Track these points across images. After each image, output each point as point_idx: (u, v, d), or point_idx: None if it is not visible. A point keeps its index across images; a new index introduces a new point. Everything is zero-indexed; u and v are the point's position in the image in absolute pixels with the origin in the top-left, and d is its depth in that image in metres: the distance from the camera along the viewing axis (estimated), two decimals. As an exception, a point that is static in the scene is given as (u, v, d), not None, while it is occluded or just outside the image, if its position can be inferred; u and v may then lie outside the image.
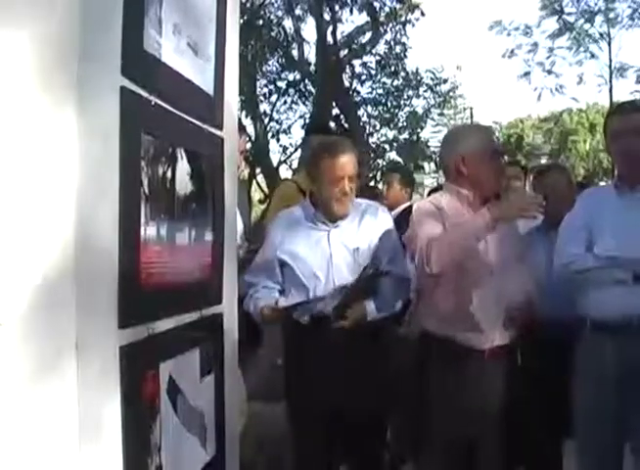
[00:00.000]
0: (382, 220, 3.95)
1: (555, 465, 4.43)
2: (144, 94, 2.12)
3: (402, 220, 4.27)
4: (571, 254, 3.65)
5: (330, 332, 3.67)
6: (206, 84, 2.66)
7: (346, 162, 3.82)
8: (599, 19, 29.38)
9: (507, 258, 3.71)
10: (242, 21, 15.34)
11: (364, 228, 3.90)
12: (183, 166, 2.42)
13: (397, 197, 6.30)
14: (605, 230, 3.60)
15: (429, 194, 5.27)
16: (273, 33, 19.65)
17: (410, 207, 5.12)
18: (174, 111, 2.34)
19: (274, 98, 21.28)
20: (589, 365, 3.67)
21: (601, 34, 29.63)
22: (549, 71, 30.39)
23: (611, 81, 29.69)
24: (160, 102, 2.21)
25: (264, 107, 21.31)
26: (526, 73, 30.68)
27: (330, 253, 3.81)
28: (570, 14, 29.39)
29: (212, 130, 2.71)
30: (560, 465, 4.43)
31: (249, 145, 21.27)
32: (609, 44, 29.59)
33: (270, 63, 20.92)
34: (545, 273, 3.85)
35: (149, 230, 2.16)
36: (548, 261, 3.84)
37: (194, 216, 2.54)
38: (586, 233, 3.65)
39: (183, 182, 2.43)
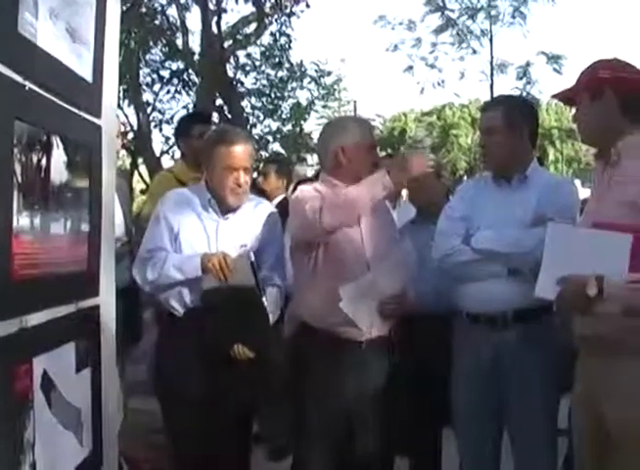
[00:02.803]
0: (271, 221, 3.93)
1: (435, 452, 4.50)
2: (17, 78, 2.04)
3: (281, 211, 4.26)
4: (449, 246, 3.71)
5: (198, 327, 3.64)
6: (84, 71, 2.60)
7: (242, 152, 3.80)
8: (481, 16, 30.11)
9: (383, 251, 3.72)
10: (125, 8, 15.12)
11: (254, 226, 3.89)
12: (58, 155, 2.35)
13: (274, 187, 6.31)
14: (482, 223, 3.69)
15: (295, 186, 5.25)
16: (157, 22, 19.37)
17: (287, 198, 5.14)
18: (50, 97, 2.27)
19: (157, 87, 21.02)
20: (465, 357, 3.75)
21: (483, 31, 30.39)
22: (432, 66, 31.06)
23: (492, 77, 30.49)
24: (34, 87, 2.14)
25: (147, 96, 21.03)
26: (410, 68, 31.30)
27: (217, 246, 3.78)
28: (453, 10, 30.03)
29: (90, 118, 2.65)
30: (439, 451, 4.51)
31: (130, 135, 21.05)
32: (490, 41, 30.38)
33: (153, 51, 20.61)
34: (418, 267, 3.88)
35: (21, 220, 2.09)
36: (421, 255, 3.88)
37: (70, 206, 2.47)
38: (465, 225, 3.73)
39: (58, 171, 2.36)
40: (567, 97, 3.29)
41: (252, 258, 3.68)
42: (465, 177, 35.81)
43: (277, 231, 3.97)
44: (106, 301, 2.84)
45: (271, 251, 3.91)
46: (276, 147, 21.31)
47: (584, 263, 2.86)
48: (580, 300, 2.83)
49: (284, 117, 21.70)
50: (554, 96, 3.40)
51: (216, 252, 3.73)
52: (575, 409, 3.26)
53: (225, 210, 3.84)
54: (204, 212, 3.84)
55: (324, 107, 25.38)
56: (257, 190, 5.93)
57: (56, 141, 2.34)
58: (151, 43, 19.86)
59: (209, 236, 3.81)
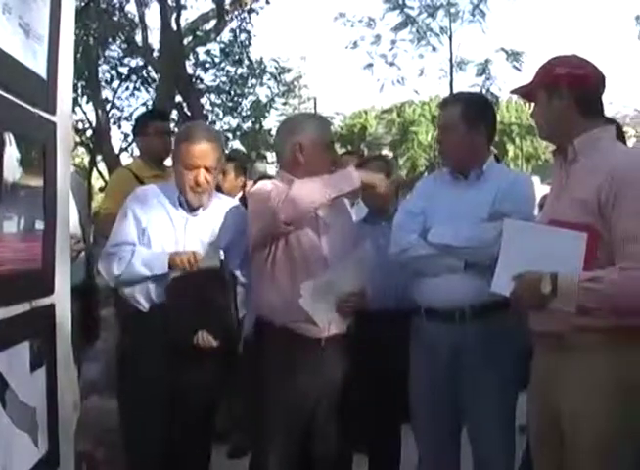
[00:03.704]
0: (239, 219, 3.91)
1: (394, 449, 4.52)
2: (-33, 75, 2.01)
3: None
4: (406, 240, 3.73)
5: (170, 323, 3.63)
6: (39, 67, 2.56)
7: (204, 151, 3.77)
8: (441, 13, 30.25)
9: (341, 249, 3.73)
10: (83, 4, 15.03)
11: (223, 224, 3.88)
12: (11, 152, 2.32)
13: (233, 185, 6.28)
14: (439, 218, 3.71)
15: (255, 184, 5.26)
16: (116, 18, 19.26)
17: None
18: (2, 93, 2.24)
19: (116, 84, 20.93)
20: (423, 352, 3.77)
21: (442, 28, 30.51)
22: (391, 63, 31.09)
23: (451, 74, 30.60)
24: (-15, 84, 2.11)
25: (106, 93, 20.94)
26: (369, 65, 31.32)
27: (185, 242, 3.77)
28: (412, 8, 30.13)
29: (44, 115, 2.61)
30: (398, 449, 4.53)
31: (89, 132, 20.93)
32: (450, 38, 30.51)
33: (112, 48, 20.54)
34: (373, 264, 3.88)
35: (-28, 218, 2.05)
36: (375, 253, 3.89)
37: (23, 205, 2.43)
38: (422, 220, 3.75)
39: (11, 169, 2.32)
40: (525, 93, 3.32)
41: (222, 257, 3.68)
42: (425, 174, 35.95)
43: (244, 229, 3.96)
44: (61, 299, 2.80)
45: (239, 249, 3.89)
46: (236, 144, 21.37)
47: (539, 261, 2.88)
48: (535, 297, 2.86)
49: (244, 114, 21.73)
50: (512, 92, 3.43)
51: (185, 249, 3.72)
52: (530, 406, 3.28)
53: (191, 207, 3.82)
54: (172, 209, 3.83)
55: (284, 104, 25.40)
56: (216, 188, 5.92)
57: (8, 138, 2.30)
58: (109, 39, 19.75)
59: (178, 232, 3.80)
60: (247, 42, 20.72)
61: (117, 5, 19.40)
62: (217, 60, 20.85)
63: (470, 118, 3.72)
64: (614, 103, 29.90)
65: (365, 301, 3.76)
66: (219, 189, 5.74)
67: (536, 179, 11.92)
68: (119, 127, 20.84)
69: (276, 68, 23.17)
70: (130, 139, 20.45)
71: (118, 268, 3.73)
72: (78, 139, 20.03)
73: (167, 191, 3.88)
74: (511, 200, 3.62)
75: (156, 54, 19.15)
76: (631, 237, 2.78)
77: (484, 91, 28.55)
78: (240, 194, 6.05)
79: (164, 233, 3.79)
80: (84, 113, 20.69)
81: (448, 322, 3.65)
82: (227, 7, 19.16)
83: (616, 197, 2.81)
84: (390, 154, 37.95)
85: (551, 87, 3.06)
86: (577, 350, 2.92)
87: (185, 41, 18.83)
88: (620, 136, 3.88)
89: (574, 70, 3.04)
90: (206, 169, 3.78)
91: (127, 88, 20.97)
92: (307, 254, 3.66)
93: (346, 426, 3.80)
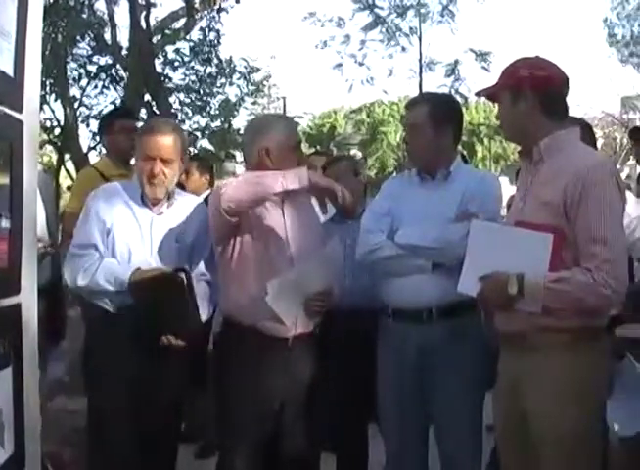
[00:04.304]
0: (203, 215, 3.90)
1: (361, 448, 4.53)
2: None
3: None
4: (373, 241, 3.74)
5: (132, 323, 3.62)
6: (5, 65, 2.55)
7: (161, 142, 3.74)
8: (410, 13, 30.32)
9: (307, 248, 3.74)
10: (51, 1, 14.91)
11: (188, 221, 3.86)
12: (-23, 150, 2.31)
13: (197, 184, 6.26)
14: (406, 218, 3.72)
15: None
16: (84, 15, 19.12)
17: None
18: (-32, 91, 2.23)
19: (84, 82, 20.74)
20: (391, 352, 3.78)
21: (412, 29, 30.58)
22: (361, 63, 31.12)
23: (420, 75, 30.67)
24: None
25: (74, 91, 20.73)
26: (339, 65, 31.33)
27: (151, 242, 3.76)
28: (382, 8, 30.19)
29: (11, 112, 2.60)
30: (366, 448, 4.54)
31: (57, 130, 20.76)
32: (419, 38, 30.57)
33: (81, 46, 20.34)
34: (341, 264, 3.90)
35: (-63, 217, 2.04)
36: (343, 252, 3.91)
37: (-11, 203, 2.42)
38: (389, 220, 3.76)
39: (-23, 167, 2.31)
40: (490, 94, 3.34)
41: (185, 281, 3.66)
42: (394, 174, 36.08)
43: (208, 225, 3.95)
44: (27, 299, 2.78)
45: (205, 247, 3.89)
46: (205, 143, 21.27)
47: (506, 261, 2.91)
48: (501, 297, 2.89)
49: (213, 113, 21.62)
50: (477, 94, 3.45)
51: (151, 249, 3.73)
52: (496, 406, 3.31)
53: (152, 202, 3.80)
54: (137, 207, 3.80)
55: (253, 103, 25.28)
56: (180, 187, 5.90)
57: (-25, 136, 2.29)
58: (78, 37, 19.58)
59: (143, 232, 3.77)
60: (216, 41, 20.63)
61: (86, 2, 19.22)
62: (186, 59, 20.70)
63: (437, 119, 3.73)
64: (581, 105, 30.11)
65: (332, 300, 3.76)
66: (183, 188, 5.75)
67: (505, 180, 12.01)
68: (88, 126, 20.62)
69: (245, 67, 23.05)
70: (99, 138, 20.32)
71: (83, 280, 3.69)
72: (46, 137, 19.89)
73: (130, 189, 3.85)
74: (478, 199, 3.64)
75: (125, 52, 19.00)
76: (595, 238, 2.81)
77: (453, 92, 28.65)
78: (207, 193, 6.01)
79: (130, 232, 3.76)
80: (52, 111, 20.50)
81: (416, 322, 3.67)
82: (197, 5, 19.07)
83: (580, 198, 2.84)
84: (359, 154, 38.03)
85: (515, 89, 3.08)
86: (541, 350, 2.95)
87: (154, 40, 18.71)
88: (591, 137, 3.93)
89: (538, 72, 3.06)
90: (163, 161, 3.74)
91: (96, 86, 20.77)
92: (273, 252, 3.66)
93: (314, 425, 3.80)
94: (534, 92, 3.03)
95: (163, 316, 3.62)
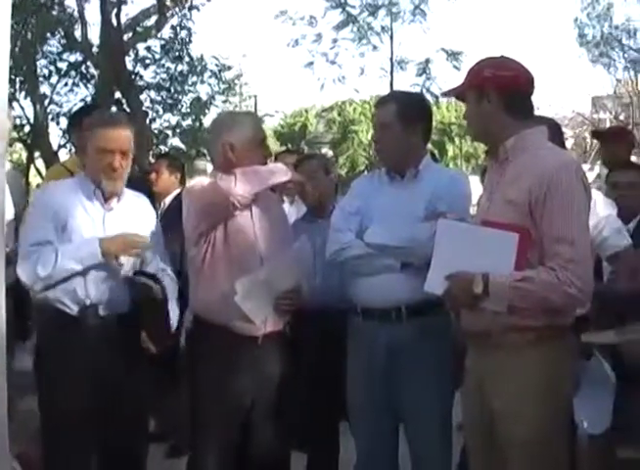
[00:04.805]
0: (151, 211, 3.90)
1: (332, 447, 4.54)
2: None
3: (176, 206, 4.23)
4: (342, 240, 3.74)
5: (97, 324, 3.62)
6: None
7: (119, 135, 3.72)
8: (382, 12, 30.35)
9: (276, 247, 3.75)
10: (21, -2, 14.81)
11: (138, 216, 3.85)
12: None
13: (167, 183, 6.22)
14: (375, 217, 3.73)
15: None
16: (54, 12, 19.01)
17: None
18: None
19: (54, 80, 20.63)
20: (360, 351, 3.79)
21: (383, 28, 30.59)
22: (332, 62, 31.07)
23: (392, 74, 30.69)
24: None
25: (44, 88, 20.63)
26: (310, 63, 31.24)
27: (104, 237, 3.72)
28: (354, 6, 30.19)
29: (-22, 111, 2.59)
30: (336, 447, 4.55)
31: (27, 128, 20.62)
32: (391, 37, 30.60)
33: (51, 43, 20.25)
34: (311, 262, 3.90)
35: None
36: (313, 251, 3.90)
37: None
38: (358, 219, 3.77)
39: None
40: (457, 94, 3.35)
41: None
42: (365, 173, 36.12)
43: (157, 222, 4.00)
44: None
45: (160, 246, 3.91)
46: (175, 142, 21.22)
47: (472, 261, 2.93)
48: (466, 296, 2.91)
49: (184, 111, 21.59)
50: (443, 94, 3.51)
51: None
52: (464, 405, 3.33)
53: (106, 196, 3.76)
54: (88, 203, 3.75)
55: (224, 102, 25.19)
56: (149, 186, 5.88)
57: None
58: (48, 34, 19.47)
59: (97, 226, 3.72)
60: (187, 39, 20.61)
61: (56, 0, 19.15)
62: (158, 56, 20.66)
63: (406, 118, 3.73)
64: (552, 105, 30.28)
65: (301, 298, 3.77)
66: (151, 187, 5.71)
67: (475, 179, 12.01)
68: (58, 124, 20.54)
69: (217, 65, 22.98)
70: (68, 136, 20.20)
71: (44, 269, 3.57)
72: (16, 135, 19.74)
73: (82, 184, 3.80)
74: (447, 198, 3.64)
75: (95, 49, 18.92)
76: (559, 237, 2.84)
77: (425, 91, 28.72)
78: (177, 191, 5.99)
79: (84, 229, 3.69)
80: (22, 108, 20.37)
81: (384, 321, 3.67)
82: (168, 3, 19.02)
83: (545, 198, 2.86)
84: (330, 152, 38.07)
85: (479, 89, 3.08)
86: (507, 348, 2.97)
87: (125, 37, 18.64)
88: (560, 136, 3.96)
89: (502, 72, 3.07)
90: (122, 154, 3.72)
91: (66, 84, 20.70)
92: (242, 251, 3.66)
93: (284, 424, 3.80)
94: (498, 92, 3.03)
95: (143, 322, 3.65)
